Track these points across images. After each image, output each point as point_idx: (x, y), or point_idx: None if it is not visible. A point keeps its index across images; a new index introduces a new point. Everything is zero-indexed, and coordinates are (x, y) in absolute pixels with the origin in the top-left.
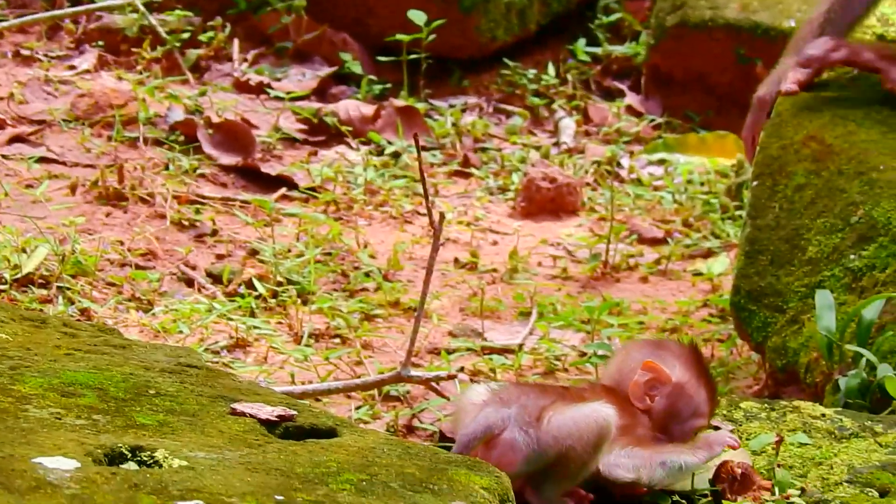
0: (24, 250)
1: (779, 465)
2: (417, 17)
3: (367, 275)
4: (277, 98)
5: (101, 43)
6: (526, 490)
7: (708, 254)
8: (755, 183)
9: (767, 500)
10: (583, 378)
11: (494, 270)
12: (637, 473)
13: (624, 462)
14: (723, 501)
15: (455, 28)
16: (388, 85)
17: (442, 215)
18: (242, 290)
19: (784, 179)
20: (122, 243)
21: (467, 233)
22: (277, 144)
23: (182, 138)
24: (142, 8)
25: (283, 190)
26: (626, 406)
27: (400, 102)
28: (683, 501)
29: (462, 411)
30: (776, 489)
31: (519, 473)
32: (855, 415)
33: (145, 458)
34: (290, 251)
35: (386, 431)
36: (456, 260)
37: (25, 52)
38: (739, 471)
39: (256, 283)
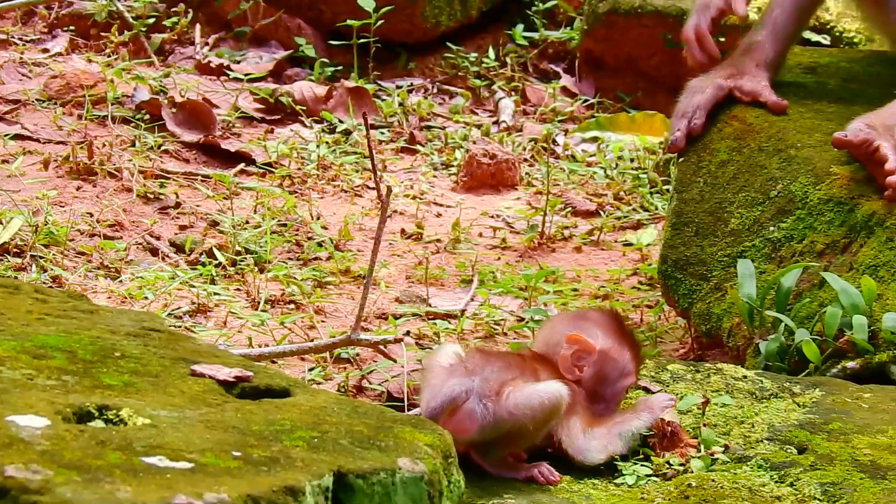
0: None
1: (704, 425)
2: (367, 3)
3: (319, 245)
4: (236, 79)
5: (72, 28)
6: (470, 452)
7: (637, 225)
8: (681, 159)
9: (693, 457)
10: (521, 342)
11: (438, 241)
12: (606, 452)
13: (593, 445)
14: (652, 457)
15: (402, 14)
16: (340, 67)
17: (389, 189)
18: (203, 258)
19: (708, 156)
20: (91, 215)
21: (413, 205)
22: (236, 123)
23: (147, 117)
24: None
25: (242, 165)
26: (559, 375)
27: (350, 84)
28: (617, 456)
29: (430, 371)
30: (701, 446)
31: (472, 441)
32: (774, 376)
33: (111, 417)
34: (247, 222)
35: (336, 392)
36: (402, 231)
37: (2, 36)
38: (669, 429)
39: (216, 252)
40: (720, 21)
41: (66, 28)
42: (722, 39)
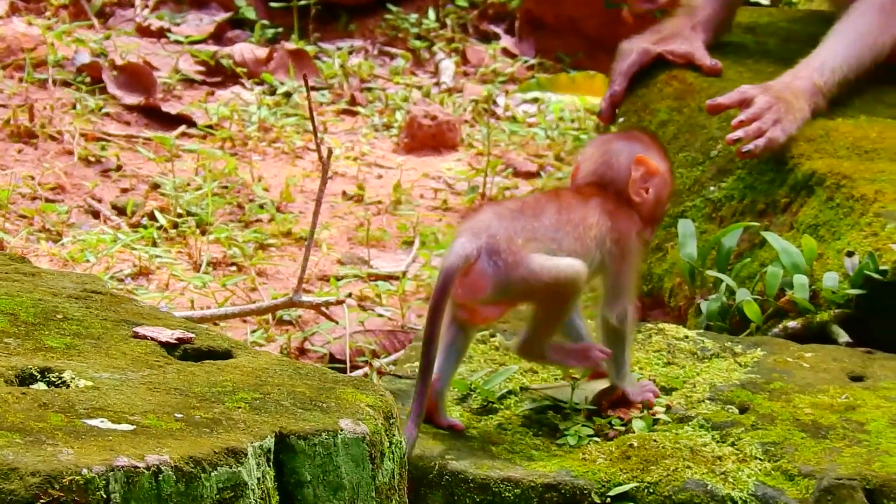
0: None
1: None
2: None
3: (261, 207)
4: (177, 42)
5: None
6: (519, 352)
7: None
8: (621, 119)
9: (635, 417)
10: None
11: (380, 202)
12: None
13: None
14: (594, 417)
15: None
16: (280, 29)
17: (330, 151)
18: (145, 221)
19: (648, 116)
20: (32, 178)
21: (354, 167)
22: (177, 85)
23: (88, 80)
24: None
25: (183, 128)
26: (615, 201)
27: (291, 46)
28: (568, 412)
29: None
30: (644, 406)
31: (487, 300)
32: (716, 336)
33: (53, 379)
34: (189, 185)
35: (279, 353)
36: (344, 193)
37: None
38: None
39: (158, 214)
40: None
41: None
42: (625, 7)
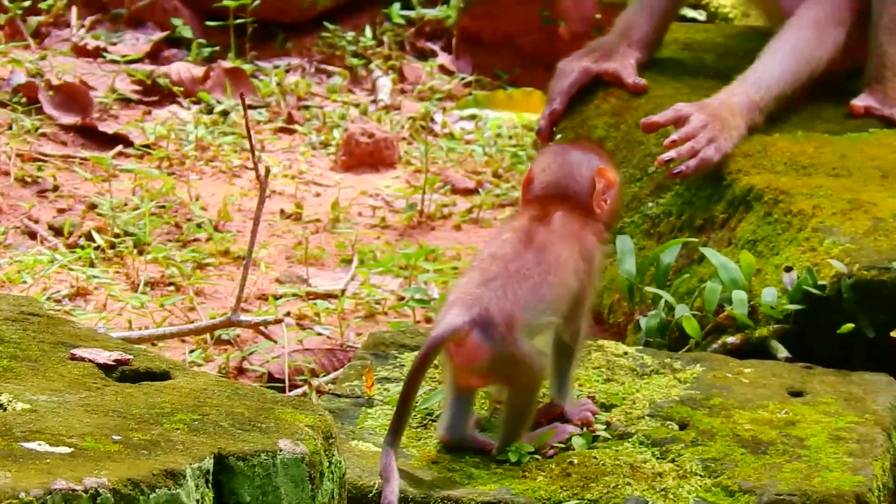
0: None
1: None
2: None
3: (198, 226)
4: (113, 61)
5: None
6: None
7: (516, 203)
8: (559, 136)
9: (575, 434)
10: (402, 321)
11: (318, 220)
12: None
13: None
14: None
15: None
16: (217, 48)
17: (268, 169)
18: (82, 241)
19: (586, 132)
20: None
21: (292, 185)
22: (114, 105)
23: (24, 100)
24: None
25: (120, 147)
26: (578, 215)
27: (228, 64)
28: None
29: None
30: (583, 424)
31: (483, 370)
32: (655, 353)
33: None
34: (126, 205)
35: (217, 374)
36: (282, 211)
37: None
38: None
39: (95, 235)
40: None
41: None
42: (562, 23)
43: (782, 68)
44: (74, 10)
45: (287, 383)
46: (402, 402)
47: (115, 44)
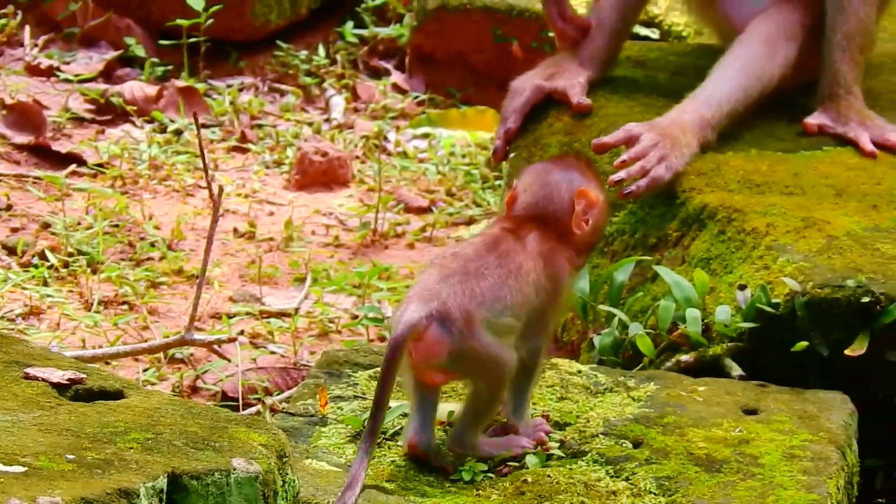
0: None
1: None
2: (196, 2)
3: (152, 245)
4: (67, 80)
5: None
6: (453, 448)
7: (470, 221)
8: (512, 154)
9: (529, 453)
10: (356, 339)
11: (271, 239)
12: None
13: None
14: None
15: (231, 12)
16: (170, 67)
17: (221, 188)
18: (36, 260)
19: (539, 151)
20: None
21: (245, 204)
22: (67, 124)
23: None
24: None
25: (73, 166)
26: (554, 236)
27: (181, 83)
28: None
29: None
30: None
31: (442, 365)
32: (609, 371)
33: None
34: (80, 224)
35: (171, 392)
36: (235, 230)
37: None
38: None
39: (49, 254)
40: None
41: None
42: (514, 42)
43: (733, 85)
44: (28, 29)
45: (241, 402)
46: (375, 406)
47: (68, 63)
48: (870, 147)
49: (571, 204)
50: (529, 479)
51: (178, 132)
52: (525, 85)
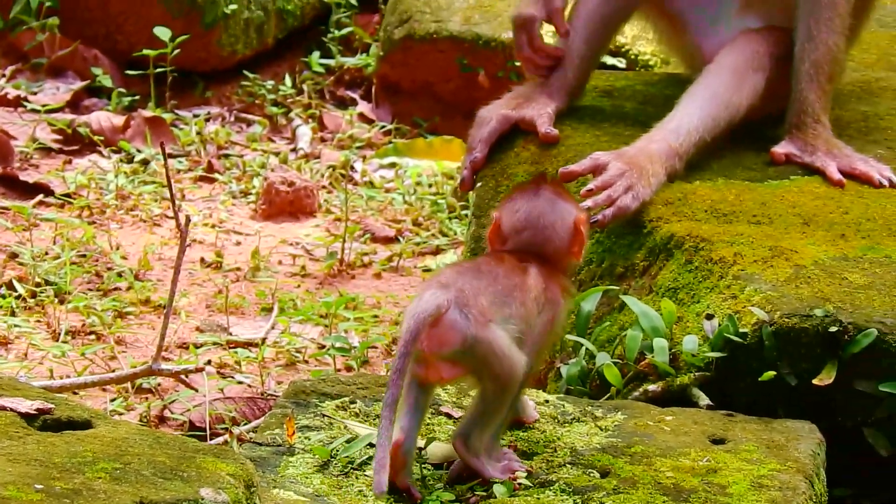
0: None
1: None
2: (163, 33)
3: (119, 275)
4: (34, 111)
5: None
6: (456, 443)
7: (437, 251)
8: (479, 184)
9: (497, 482)
10: (322, 369)
11: (238, 269)
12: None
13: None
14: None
15: (198, 43)
16: (137, 97)
17: (188, 218)
18: (3, 291)
19: (506, 181)
20: None
21: (212, 234)
22: (34, 154)
23: None
24: None
25: (41, 196)
26: (550, 265)
27: (148, 113)
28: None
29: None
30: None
31: (453, 355)
32: (576, 400)
33: None
34: (47, 254)
35: (139, 422)
36: (202, 260)
37: None
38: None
39: (16, 284)
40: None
41: None
42: (480, 71)
43: (701, 114)
44: None
45: (208, 432)
46: (392, 391)
47: (35, 93)
48: (837, 176)
49: (571, 233)
50: None
51: (145, 162)
52: (492, 114)
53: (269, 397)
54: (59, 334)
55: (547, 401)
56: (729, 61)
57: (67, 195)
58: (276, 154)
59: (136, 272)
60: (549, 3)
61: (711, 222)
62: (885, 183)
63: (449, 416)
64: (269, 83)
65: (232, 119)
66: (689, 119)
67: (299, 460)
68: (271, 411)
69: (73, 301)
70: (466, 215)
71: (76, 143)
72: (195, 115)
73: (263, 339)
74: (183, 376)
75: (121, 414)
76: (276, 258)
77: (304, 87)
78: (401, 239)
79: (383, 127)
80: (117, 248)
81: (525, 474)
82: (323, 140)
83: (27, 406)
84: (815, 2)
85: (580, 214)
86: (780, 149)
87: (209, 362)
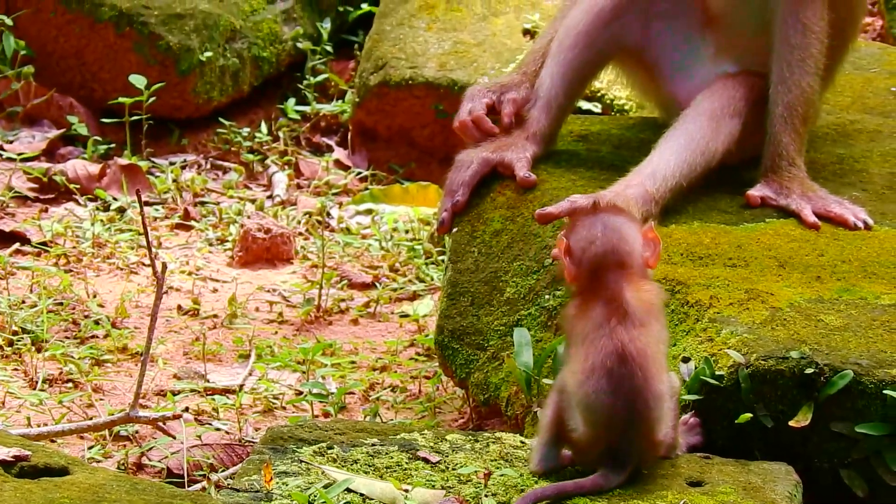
0: None
1: (486, 495)
2: (138, 80)
3: (96, 322)
4: (9, 159)
5: None
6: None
7: (414, 296)
8: (455, 230)
9: None
10: (299, 414)
11: (215, 316)
12: None
13: None
14: None
15: (173, 90)
16: (113, 145)
17: (165, 266)
18: None
19: (482, 226)
20: None
21: (189, 281)
22: (10, 202)
23: None
24: None
25: (17, 245)
26: (633, 277)
27: (124, 161)
28: None
29: None
30: None
31: None
32: None
33: None
34: (24, 302)
35: (116, 469)
36: (179, 307)
37: None
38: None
39: None
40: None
41: None
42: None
43: (678, 160)
44: None
45: (186, 478)
46: None
47: (11, 142)
48: (812, 219)
49: (644, 243)
50: None
51: (122, 210)
52: (472, 157)
53: (246, 444)
54: (37, 382)
55: (523, 442)
56: (706, 107)
57: (44, 243)
58: (253, 201)
59: (113, 320)
60: (505, 93)
61: (687, 265)
62: (860, 225)
63: (427, 460)
64: (245, 130)
65: (208, 166)
66: (665, 165)
67: None
68: (249, 457)
69: (51, 349)
70: (443, 261)
71: (52, 192)
72: (171, 163)
73: (241, 386)
74: (160, 423)
75: (98, 461)
76: (252, 305)
77: (280, 133)
78: (378, 285)
79: (359, 173)
80: (94, 296)
81: None
82: (299, 187)
83: (4, 453)
84: (788, 44)
85: (643, 225)
86: (756, 192)
87: (187, 409)
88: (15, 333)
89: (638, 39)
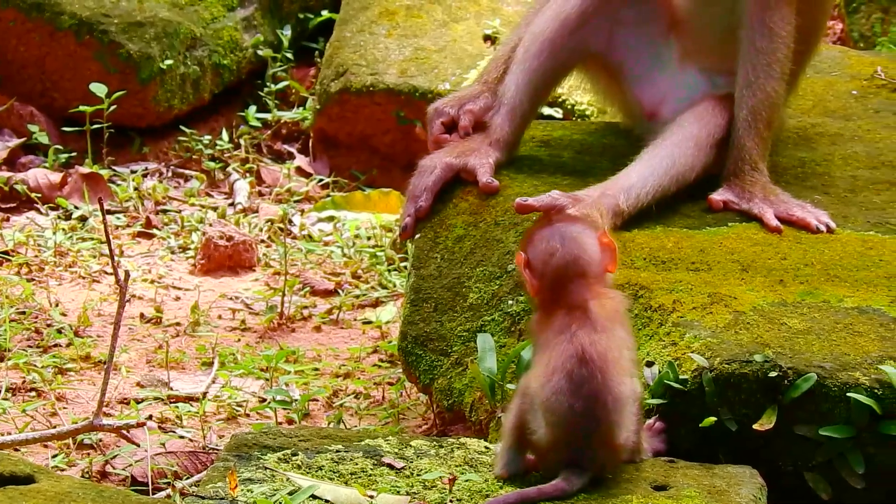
0: None
1: (451, 501)
2: (99, 89)
3: (59, 331)
4: None
5: None
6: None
7: (376, 303)
8: (418, 236)
9: None
10: (263, 421)
11: (178, 324)
12: None
13: None
14: None
15: (134, 98)
16: (74, 153)
17: (127, 274)
18: None
19: (444, 231)
20: None
21: (151, 290)
22: None
23: None
24: None
25: None
26: (592, 284)
27: (85, 170)
28: None
29: None
30: None
31: None
32: None
33: None
34: None
35: (81, 477)
36: (142, 315)
37: None
38: None
39: None
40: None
41: None
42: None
43: (655, 184)
44: None
45: (150, 486)
46: None
47: None
48: (774, 223)
49: (602, 250)
50: None
51: (83, 219)
52: (435, 163)
53: (210, 451)
54: (0, 391)
55: (487, 447)
56: (693, 132)
57: (5, 252)
58: (215, 209)
59: (76, 328)
60: (463, 105)
61: (650, 270)
62: (823, 228)
63: (391, 466)
64: (206, 138)
65: (169, 174)
66: (642, 184)
67: None
68: (213, 465)
69: (13, 358)
70: (405, 267)
71: (13, 201)
72: (132, 171)
73: (204, 394)
74: (124, 431)
75: (63, 470)
76: (215, 312)
77: (242, 141)
78: (340, 292)
79: (321, 180)
80: (56, 305)
81: None
82: (261, 194)
83: None
84: (754, 48)
85: (598, 231)
86: (718, 196)
87: (150, 417)
88: None
89: (603, 45)
